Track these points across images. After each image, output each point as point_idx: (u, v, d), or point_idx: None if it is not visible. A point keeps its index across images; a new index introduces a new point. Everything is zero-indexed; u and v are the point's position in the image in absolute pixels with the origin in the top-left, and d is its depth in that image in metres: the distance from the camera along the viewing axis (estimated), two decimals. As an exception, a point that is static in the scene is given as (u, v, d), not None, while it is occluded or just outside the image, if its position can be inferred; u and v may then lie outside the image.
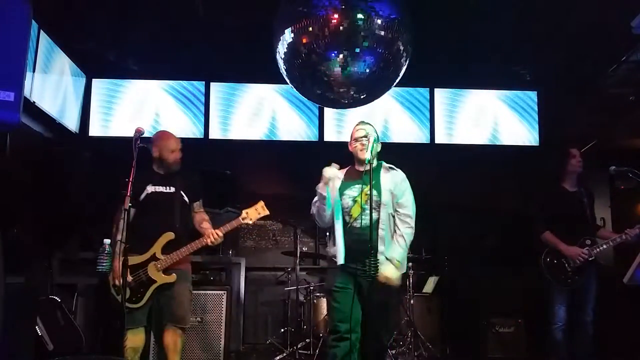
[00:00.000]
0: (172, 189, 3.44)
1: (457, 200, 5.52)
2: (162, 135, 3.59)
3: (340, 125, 5.63)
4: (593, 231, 3.79)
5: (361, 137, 3.06)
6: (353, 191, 3.03)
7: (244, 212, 3.43)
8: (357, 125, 3.17)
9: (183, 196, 3.49)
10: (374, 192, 2.95)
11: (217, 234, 3.34)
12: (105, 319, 3.39)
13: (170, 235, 3.34)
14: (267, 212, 3.43)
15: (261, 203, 3.46)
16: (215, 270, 4.63)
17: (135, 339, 3.27)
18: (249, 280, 5.38)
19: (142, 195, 3.34)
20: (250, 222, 3.43)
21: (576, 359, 3.68)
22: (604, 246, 3.66)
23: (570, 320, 3.69)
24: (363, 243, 2.80)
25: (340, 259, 2.94)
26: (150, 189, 3.37)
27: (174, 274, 3.31)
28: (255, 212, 3.43)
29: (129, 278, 3.13)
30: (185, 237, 3.42)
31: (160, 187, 3.40)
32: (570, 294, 3.70)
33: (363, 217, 2.89)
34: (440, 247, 5.09)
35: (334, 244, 3.02)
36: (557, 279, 3.70)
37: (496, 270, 4.22)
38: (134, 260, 3.19)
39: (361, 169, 3.03)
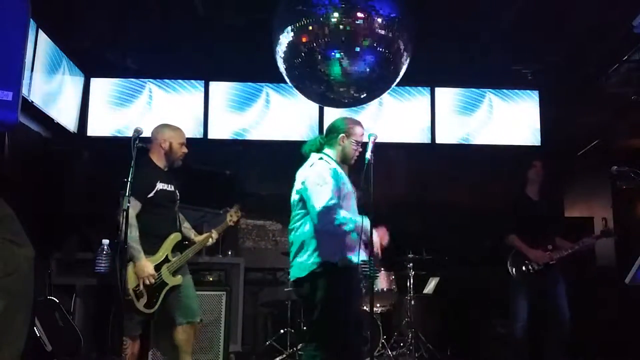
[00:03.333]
0: (172, 187, 3.37)
1: (457, 200, 5.51)
2: (171, 126, 3.46)
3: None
4: (553, 239, 4.01)
5: (361, 143, 3.03)
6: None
7: (227, 214, 3.66)
8: (360, 126, 3.04)
9: (177, 195, 3.44)
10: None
11: (215, 234, 3.51)
12: (114, 325, 3.32)
13: (178, 236, 3.33)
14: (239, 215, 3.71)
15: (236, 207, 3.68)
16: (215, 271, 4.60)
17: (136, 345, 3.25)
18: (248, 281, 5.35)
19: (152, 192, 3.22)
20: (232, 224, 3.67)
21: (549, 357, 3.90)
22: (564, 252, 3.91)
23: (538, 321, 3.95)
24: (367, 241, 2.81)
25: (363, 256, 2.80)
26: (159, 185, 3.26)
27: (179, 276, 3.29)
28: (235, 215, 3.66)
29: (152, 280, 3.11)
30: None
31: (165, 185, 3.31)
32: (534, 295, 3.93)
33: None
34: (440, 248, 5.07)
35: (345, 244, 2.82)
36: (521, 279, 3.94)
37: (497, 271, 4.21)
38: (149, 262, 3.16)
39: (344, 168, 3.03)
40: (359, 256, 2.74)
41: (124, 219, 2.86)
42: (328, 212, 2.70)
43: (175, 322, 3.27)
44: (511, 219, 4.07)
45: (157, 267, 3.19)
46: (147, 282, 3.09)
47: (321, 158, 2.93)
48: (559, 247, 3.93)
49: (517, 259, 3.97)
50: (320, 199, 2.72)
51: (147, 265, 3.10)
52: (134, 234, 3.06)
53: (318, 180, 2.79)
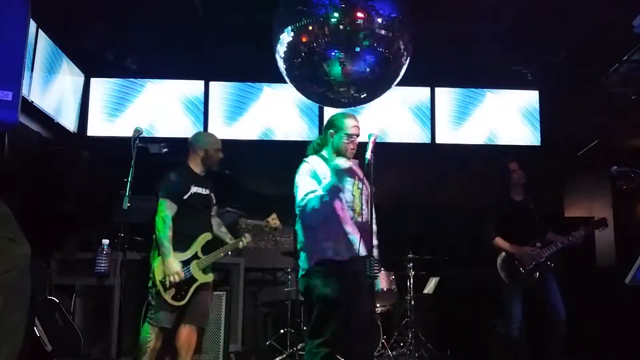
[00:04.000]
0: (207, 191, 3.52)
1: (457, 200, 5.51)
2: (207, 134, 3.69)
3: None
4: (542, 235, 3.97)
5: (355, 135, 2.98)
6: (350, 185, 2.93)
7: (264, 221, 3.71)
8: (351, 119, 3.01)
9: (213, 199, 3.58)
10: (367, 186, 2.94)
11: (247, 238, 3.61)
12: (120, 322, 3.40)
13: (209, 236, 3.46)
14: (277, 224, 3.69)
15: (273, 214, 3.70)
16: (215, 271, 4.60)
17: (159, 341, 3.29)
18: (248, 281, 5.35)
19: (187, 195, 3.37)
20: (268, 230, 3.71)
21: (549, 357, 3.84)
22: (554, 248, 3.85)
23: (528, 320, 3.93)
24: (365, 238, 2.80)
25: (355, 251, 2.77)
26: (194, 189, 3.41)
27: (211, 274, 3.42)
28: (272, 222, 3.69)
29: (177, 278, 3.20)
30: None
31: (200, 188, 3.46)
32: (526, 295, 3.89)
33: (363, 212, 2.90)
34: (440, 248, 5.06)
35: (332, 238, 2.80)
36: (512, 280, 3.89)
37: (497, 270, 4.22)
38: (178, 257, 3.29)
39: (343, 162, 2.93)
40: (358, 250, 2.76)
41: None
42: (305, 203, 2.78)
43: (184, 321, 3.33)
44: (494, 222, 4.00)
45: (187, 262, 3.32)
46: (173, 279, 3.21)
47: (304, 161, 2.99)
48: (549, 243, 3.87)
49: (506, 262, 3.93)
50: (299, 195, 2.83)
51: (174, 263, 3.24)
52: (168, 233, 3.26)
53: (297, 180, 2.91)
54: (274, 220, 3.70)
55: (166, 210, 3.28)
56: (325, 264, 2.78)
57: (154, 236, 3.35)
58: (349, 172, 2.95)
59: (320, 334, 2.75)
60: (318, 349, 2.73)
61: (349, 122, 2.97)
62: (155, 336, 3.27)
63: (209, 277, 3.39)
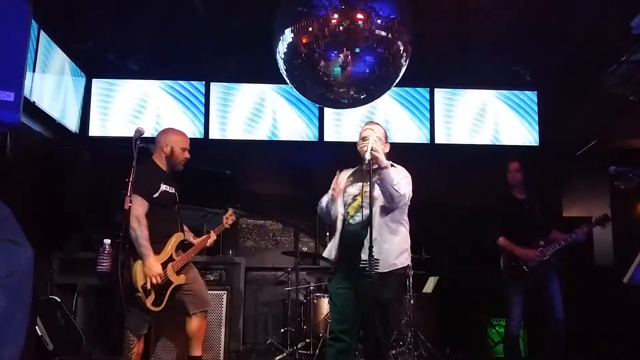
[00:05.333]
0: (173, 190, 3.43)
1: (457, 200, 5.52)
2: (175, 131, 3.52)
3: (338, 125, 5.63)
4: (545, 233, 3.99)
5: (366, 136, 3.05)
6: (354, 189, 3.06)
7: (224, 217, 3.75)
8: (365, 125, 3.18)
9: (177, 197, 3.51)
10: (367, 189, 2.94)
11: (214, 235, 3.60)
12: (118, 323, 3.36)
13: (181, 236, 3.39)
14: (234, 218, 3.79)
15: (230, 210, 3.76)
16: (215, 270, 4.63)
17: (141, 344, 3.29)
18: (249, 280, 5.38)
19: (157, 193, 3.26)
20: (228, 226, 3.74)
21: (547, 355, 3.90)
22: (557, 246, 3.88)
23: (528, 319, 4.05)
24: (357, 240, 2.86)
25: (332, 255, 3.01)
26: (163, 187, 3.30)
27: (183, 275, 3.33)
28: (230, 218, 3.75)
29: (159, 280, 3.13)
30: None
31: (167, 187, 3.36)
32: (528, 294, 3.92)
33: (357, 214, 2.94)
34: (440, 247, 5.08)
35: (331, 239, 3.10)
36: (515, 279, 3.93)
37: (496, 270, 4.24)
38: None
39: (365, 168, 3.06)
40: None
41: (124, 219, 2.89)
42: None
43: (189, 313, 3.33)
44: (498, 221, 4.07)
45: (163, 266, 3.23)
46: (154, 281, 3.11)
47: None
48: (552, 241, 3.90)
49: (510, 260, 3.96)
50: None
51: (155, 264, 3.13)
52: (144, 232, 3.12)
53: None
54: (231, 216, 3.72)
55: (139, 207, 3.08)
56: (332, 263, 3.08)
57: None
58: (359, 176, 3.05)
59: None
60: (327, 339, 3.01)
61: (361, 129, 3.17)
62: (137, 341, 3.23)
63: (182, 279, 3.28)
